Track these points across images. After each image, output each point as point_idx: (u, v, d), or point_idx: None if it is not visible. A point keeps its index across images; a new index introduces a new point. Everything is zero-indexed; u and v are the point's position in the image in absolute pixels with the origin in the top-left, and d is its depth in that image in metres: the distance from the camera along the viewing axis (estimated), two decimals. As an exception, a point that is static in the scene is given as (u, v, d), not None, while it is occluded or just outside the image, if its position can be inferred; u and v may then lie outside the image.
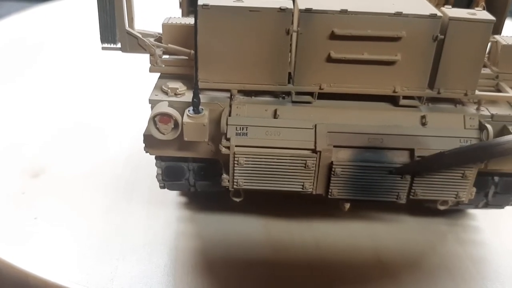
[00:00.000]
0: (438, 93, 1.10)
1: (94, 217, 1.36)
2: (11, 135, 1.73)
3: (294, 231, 1.32)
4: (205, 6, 1.03)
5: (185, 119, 1.07)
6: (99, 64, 2.18)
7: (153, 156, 1.23)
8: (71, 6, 2.92)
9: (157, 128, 1.09)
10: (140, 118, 1.77)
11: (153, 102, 1.11)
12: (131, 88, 1.98)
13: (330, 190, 1.11)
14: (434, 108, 1.12)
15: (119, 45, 1.16)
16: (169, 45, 1.16)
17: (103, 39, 1.15)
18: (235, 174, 1.11)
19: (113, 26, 1.13)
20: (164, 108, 1.08)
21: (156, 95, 1.13)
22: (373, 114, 1.10)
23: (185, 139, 1.09)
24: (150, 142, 1.15)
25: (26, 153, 1.62)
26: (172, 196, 1.43)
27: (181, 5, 1.38)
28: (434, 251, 1.29)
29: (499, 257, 1.28)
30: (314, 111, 1.10)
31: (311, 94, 1.11)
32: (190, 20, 1.17)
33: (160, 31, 1.19)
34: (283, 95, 1.13)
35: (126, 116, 1.84)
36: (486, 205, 1.27)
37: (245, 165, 1.09)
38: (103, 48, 1.16)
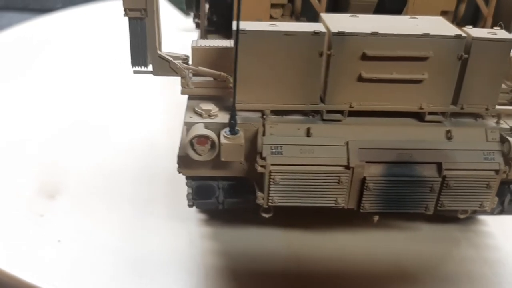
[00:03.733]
0: (462, 108, 1.15)
1: (116, 236, 1.37)
2: (20, 152, 1.72)
3: (315, 243, 1.36)
4: (242, 31, 1.06)
5: (223, 140, 1.10)
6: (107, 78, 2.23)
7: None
8: (72, 16, 2.98)
9: (194, 150, 1.12)
10: (151, 127, 1.87)
11: (188, 125, 1.14)
12: (138, 94, 2.05)
13: (362, 204, 1.15)
14: (456, 122, 1.18)
15: (150, 68, 1.18)
16: (200, 67, 1.18)
17: (134, 63, 1.17)
18: (270, 192, 1.14)
19: (144, 49, 1.15)
20: (201, 130, 1.11)
21: (190, 117, 1.15)
22: (400, 130, 1.15)
23: (222, 159, 1.12)
24: (184, 163, 1.17)
25: (38, 172, 1.61)
26: (191, 212, 1.45)
27: (198, 26, 1.41)
28: (451, 257, 1.34)
29: (512, 260, 1.35)
30: (344, 128, 1.15)
31: (341, 112, 1.15)
32: (219, 43, 1.20)
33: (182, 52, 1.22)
34: (312, 114, 1.17)
35: (138, 126, 1.86)
36: (501, 212, 1.33)
37: (280, 183, 1.13)
38: (135, 72, 1.18)
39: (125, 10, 1.10)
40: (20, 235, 1.37)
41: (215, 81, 1.20)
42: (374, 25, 1.10)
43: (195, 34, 2.71)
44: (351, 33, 1.07)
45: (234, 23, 1.09)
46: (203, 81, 1.20)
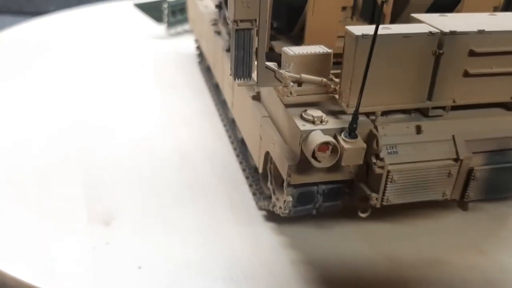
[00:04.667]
0: None
1: (195, 252, 1.33)
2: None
3: (394, 237, 1.40)
4: (365, 35, 1.07)
5: (345, 145, 1.10)
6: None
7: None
8: (68, 18, 3.01)
9: (315, 157, 1.11)
10: (151, 128, 1.89)
11: (304, 133, 1.13)
12: (137, 94, 2.08)
13: (467, 194, 1.21)
14: None
15: (253, 80, 1.15)
16: (302, 75, 1.17)
17: (238, 75, 1.13)
18: (386, 191, 1.16)
19: (249, 61, 1.12)
20: (322, 137, 1.10)
21: (303, 125, 1.14)
22: (495, 120, 1.22)
23: (343, 164, 1.12)
24: (297, 172, 1.16)
25: (84, 200, 1.52)
26: (257, 219, 1.45)
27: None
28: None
29: None
30: (448, 123, 1.20)
31: (443, 108, 1.20)
32: (314, 49, 1.20)
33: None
34: (414, 111, 1.21)
35: (138, 126, 1.86)
36: None
37: (398, 182, 1.15)
38: (239, 85, 1.15)
39: (235, 21, 1.06)
40: (97, 267, 1.29)
41: (317, 87, 1.19)
42: (471, 23, 1.16)
43: (167, 41, 2.68)
44: (462, 32, 1.12)
45: (350, 27, 1.10)
46: (305, 89, 1.19)
